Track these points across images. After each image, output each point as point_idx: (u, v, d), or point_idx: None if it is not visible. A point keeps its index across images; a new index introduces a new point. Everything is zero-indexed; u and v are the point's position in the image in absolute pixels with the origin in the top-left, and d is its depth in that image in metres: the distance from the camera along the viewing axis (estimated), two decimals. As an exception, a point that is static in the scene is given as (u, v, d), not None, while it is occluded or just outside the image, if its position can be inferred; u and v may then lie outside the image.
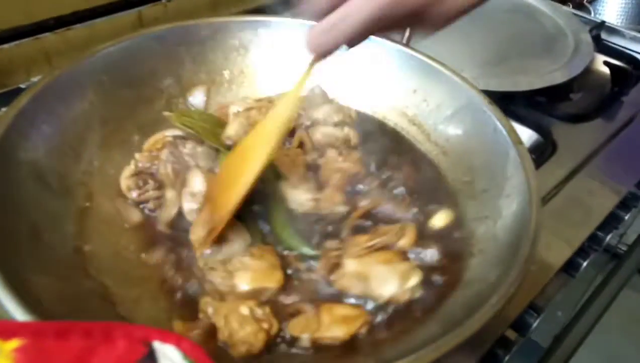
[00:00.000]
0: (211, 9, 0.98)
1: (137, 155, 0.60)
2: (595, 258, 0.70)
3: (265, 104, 0.61)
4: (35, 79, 0.77)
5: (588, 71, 0.95)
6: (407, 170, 0.63)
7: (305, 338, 0.46)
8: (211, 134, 0.61)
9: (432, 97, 0.67)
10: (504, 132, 0.57)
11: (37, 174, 0.51)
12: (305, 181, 0.57)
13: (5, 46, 0.75)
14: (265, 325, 0.45)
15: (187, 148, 0.60)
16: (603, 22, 1.12)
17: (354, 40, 0.44)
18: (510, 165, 0.55)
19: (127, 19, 0.87)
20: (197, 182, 0.56)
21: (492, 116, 0.59)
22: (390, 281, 0.49)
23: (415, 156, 0.66)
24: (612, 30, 1.13)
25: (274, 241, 0.54)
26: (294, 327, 0.47)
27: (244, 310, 0.45)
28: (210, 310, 0.46)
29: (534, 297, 0.60)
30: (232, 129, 0.59)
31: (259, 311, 0.46)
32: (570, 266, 0.66)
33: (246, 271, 0.49)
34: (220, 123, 0.62)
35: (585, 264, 0.67)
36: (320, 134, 0.64)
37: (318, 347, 0.46)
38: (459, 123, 0.64)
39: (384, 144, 0.66)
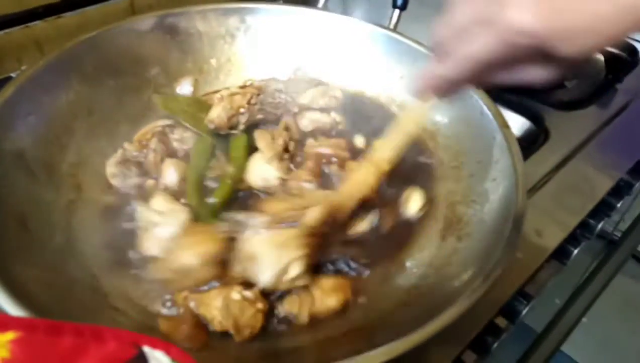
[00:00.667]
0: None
1: (126, 144, 0.60)
2: (588, 245, 0.70)
3: (250, 90, 0.61)
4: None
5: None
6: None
7: (304, 314, 0.46)
8: (194, 118, 0.62)
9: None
10: (490, 116, 0.57)
11: (24, 165, 0.51)
12: (280, 160, 0.57)
13: (-5, 34, 0.74)
14: (260, 305, 0.45)
15: (176, 134, 0.61)
16: (598, 8, 1.10)
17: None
18: (496, 149, 0.54)
19: (119, 7, 0.86)
20: (169, 173, 0.56)
21: (479, 100, 0.59)
22: (270, 269, 0.45)
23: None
24: (608, 16, 1.11)
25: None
26: (291, 305, 0.47)
27: (235, 295, 0.45)
28: (192, 304, 0.46)
29: (523, 284, 0.59)
30: (215, 113, 0.60)
31: (248, 294, 0.46)
32: (561, 254, 0.66)
33: (185, 248, 0.47)
34: (206, 108, 0.62)
35: (576, 252, 0.67)
36: (307, 120, 0.64)
37: (312, 321, 0.47)
38: (446, 109, 0.63)
39: (370, 127, 0.65)
